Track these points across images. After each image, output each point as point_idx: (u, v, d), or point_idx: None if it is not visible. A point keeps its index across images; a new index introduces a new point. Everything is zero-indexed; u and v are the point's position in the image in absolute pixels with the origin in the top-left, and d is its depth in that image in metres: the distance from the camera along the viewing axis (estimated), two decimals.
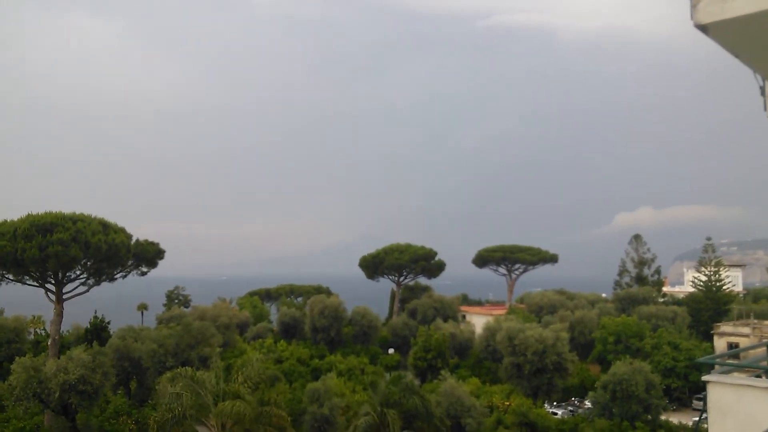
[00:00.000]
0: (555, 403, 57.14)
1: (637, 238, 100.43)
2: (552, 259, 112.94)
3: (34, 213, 51.17)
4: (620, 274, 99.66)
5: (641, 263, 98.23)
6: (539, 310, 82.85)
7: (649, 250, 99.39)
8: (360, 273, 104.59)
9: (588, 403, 52.49)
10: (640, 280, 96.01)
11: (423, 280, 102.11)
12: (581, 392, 60.12)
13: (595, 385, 49.09)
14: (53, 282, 52.70)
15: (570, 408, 56.59)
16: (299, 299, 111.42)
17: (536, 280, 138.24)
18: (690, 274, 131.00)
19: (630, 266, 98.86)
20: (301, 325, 79.65)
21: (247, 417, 32.16)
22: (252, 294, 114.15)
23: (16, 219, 50.66)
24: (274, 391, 48.04)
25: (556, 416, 51.16)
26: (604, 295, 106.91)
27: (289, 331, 79.89)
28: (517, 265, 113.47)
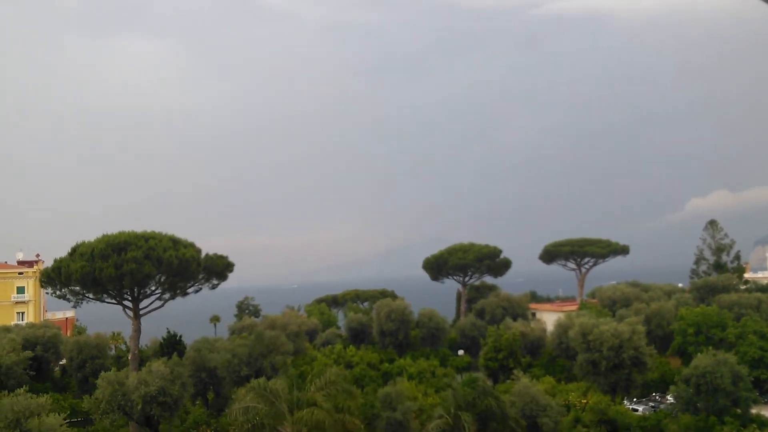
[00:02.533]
0: (635, 400, 55.13)
1: (712, 223, 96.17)
2: (623, 250, 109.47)
3: (109, 233, 53.49)
4: (696, 262, 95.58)
5: (719, 250, 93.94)
6: (612, 304, 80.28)
7: (726, 235, 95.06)
8: (424, 275, 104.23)
9: (670, 398, 50.37)
10: (719, 267, 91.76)
11: (489, 279, 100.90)
12: (662, 387, 57.80)
13: (677, 379, 47.04)
14: (130, 299, 54.83)
15: (651, 404, 54.50)
16: (365, 304, 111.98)
17: (607, 273, 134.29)
18: None
19: (707, 253, 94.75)
20: (368, 330, 79.94)
21: (327, 424, 32.40)
22: (319, 301, 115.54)
23: (92, 240, 53.09)
24: (347, 397, 48.36)
25: (636, 413, 49.39)
26: (680, 285, 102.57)
27: (358, 336, 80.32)
28: (586, 259, 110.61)
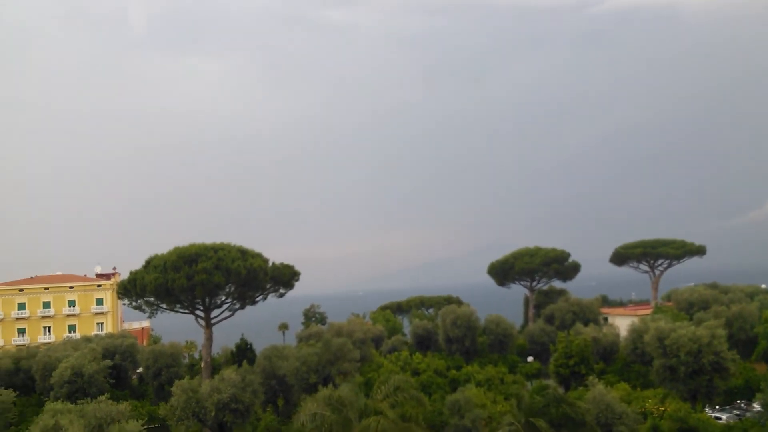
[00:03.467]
0: (717, 407, 52.41)
1: None
2: (699, 251, 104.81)
3: (180, 245, 55.37)
4: None
5: None
6: (689, 307, 76.81)
7: None
8: (489, 280, 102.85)
9: (757, 406, 47.51)
10: None
11: (558, 284, 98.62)
12: (747, 394, 54.74)
13: (764, 386, 44.35)
14: (201, 308, 56.52)
15: (736, 412, 51.62)
16: (430, 311, 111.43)
17: (683, 275, 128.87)
18: None
19: None
20: (434, 337, 79.42)
21: None
22: (384, 308, 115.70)
23: (165, 252, 55.06)
24: (414, 405, 47.97)
25: (720, 421, 46.89)
26: (763, 286, 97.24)
27: (423, 342, 79.91)
28: (660, 261, 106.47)
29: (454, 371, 66.27)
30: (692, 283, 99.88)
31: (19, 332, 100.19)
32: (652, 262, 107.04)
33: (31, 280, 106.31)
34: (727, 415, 50.22)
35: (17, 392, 52.96)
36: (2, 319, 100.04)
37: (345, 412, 33.94)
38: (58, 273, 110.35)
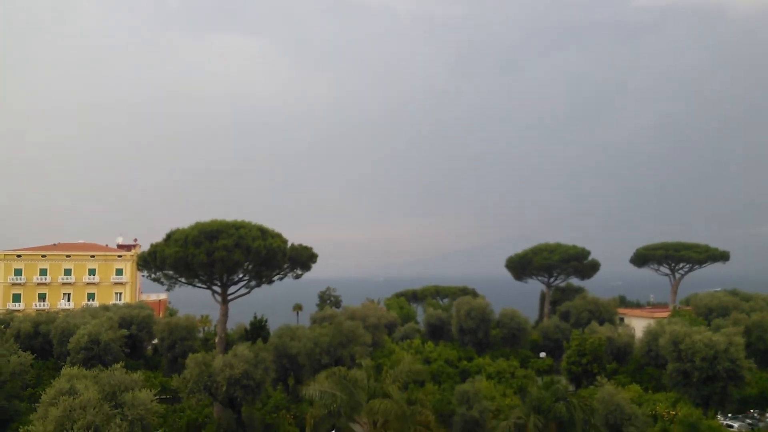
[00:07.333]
0: (729, 415, 51.76)
1: None
2: (722, 256, 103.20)
3: (202, 221, 55.74)
4: None
5: None
6: (708, 313, 75.80)
7: None
8: (506, 274, 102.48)
9: None
10: None
11: (577, 282, 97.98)
12: (762, 403, 54.02)
13: None
14: (219, 284, 57.02)
15: (749, 420, 50.96)
16: (444, 300, 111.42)
17: (704, 280, 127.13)
18: None
19: None
20: (447, 327, 79.43)
21: (394, 415, 32.43)
22: (398, 295, 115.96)
23: (186, 227, 55.51)
24: (422, 391, 48.08)
25: (731, 429, 46.38)
26: None
27: (436, 332, 79.99)
28: (681, 264, 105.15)
29: (465, 362, 66.29)
30: (714, 289, 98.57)
31: (39, 297, 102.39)
32: (673, 265, 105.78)
33: (54, 247, 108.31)
34: (739, 423, 49.61)
35: (35, 355, 54.04)
36: (24, 284, 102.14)
37: (356, 393, 34.20)
38: (81, 242, 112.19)
